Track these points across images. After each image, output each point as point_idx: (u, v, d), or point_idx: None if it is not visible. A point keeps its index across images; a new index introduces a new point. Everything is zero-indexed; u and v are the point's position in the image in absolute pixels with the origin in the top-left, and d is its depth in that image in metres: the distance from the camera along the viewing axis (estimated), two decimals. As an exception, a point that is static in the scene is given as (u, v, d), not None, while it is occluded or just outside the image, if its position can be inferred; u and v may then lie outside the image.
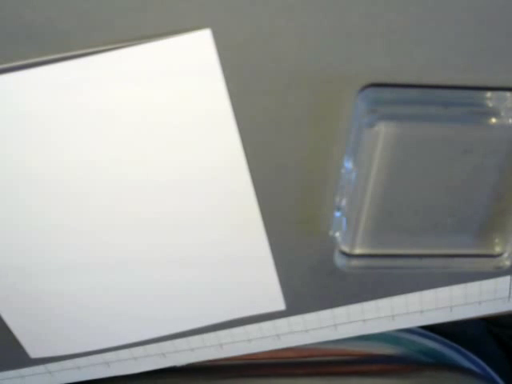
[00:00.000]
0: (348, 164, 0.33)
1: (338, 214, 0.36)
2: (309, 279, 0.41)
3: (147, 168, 0.34)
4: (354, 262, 0.38)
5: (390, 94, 0.31)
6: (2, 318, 0.42)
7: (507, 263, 0.38)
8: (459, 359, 0.50)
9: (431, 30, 0.29)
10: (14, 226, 0.36)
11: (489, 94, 0.31)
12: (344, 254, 0.38)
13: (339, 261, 0.38)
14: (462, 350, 0.50)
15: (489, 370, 0.50)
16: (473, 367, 0.50)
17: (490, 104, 0.31)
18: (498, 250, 0.37)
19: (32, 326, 0.43)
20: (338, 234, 0.37)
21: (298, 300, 0.43)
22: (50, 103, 0.31)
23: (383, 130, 0.31)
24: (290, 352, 0.49)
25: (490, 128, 0.32)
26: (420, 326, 0.49)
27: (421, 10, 0.29)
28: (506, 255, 0.38)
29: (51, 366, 0.47)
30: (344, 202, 0.35)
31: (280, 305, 0.43)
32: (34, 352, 0.45)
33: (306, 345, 0.46)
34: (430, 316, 0.44)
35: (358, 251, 0.37)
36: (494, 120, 0.31)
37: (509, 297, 0.43)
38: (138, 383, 0.51)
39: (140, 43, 0.29)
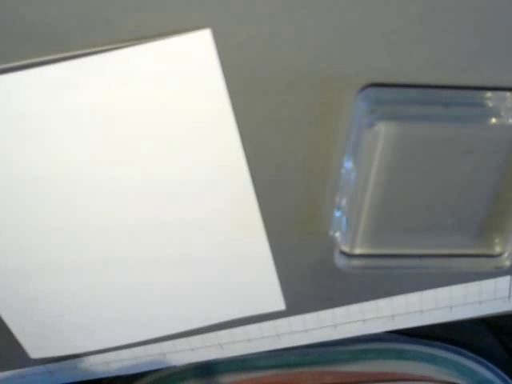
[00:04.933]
0: (348, 164, 0.33)
1: (337, 213, 0.36)
2: (309, 279, 0.41)
3: (147, 168, 0.34)
4: (354, 262, 0.38)
5: (390, 93, 0.31)
6: (2, 318, 0.42)
7: (507, 263, 0.38)
8: (493, 379, 0.50)
9: (431, 30, 0.29)
10: (13, 226, 0.36)
11: (489, 93, 0.31)
12: (344, 253, 0.38)
13: (339, 261, 0.38)
14: (491, 366, 0.50)
15: None
16: None
17: (490, 104, 0.31)
18: (498, 249, 0.37)
19: (32, 327, 0.43)
20: (337, 234, 0.37)
21: (298, 300, 0.43)
22: (49, 103, 0.31)
23: (383, 130, 0.31)
24: (328, 376, 0.49)
25: (490, 128, 0.32)
26: (453, 343, 0.49)
27: (421, 10, 0.29)
28: (506, 255, 0.38)
29: (51, 366, 0.47)
30: (344, 202, 0.35)
31: (280, 305, 0.43)
32: (34, 352, 0.45)
33: (341, 366, 0.47)
34: (430, 316, 0.44)
35: (358, 251, 0.37)
36: (494, 120, 0.31)
37: (509, 297, 0.43)
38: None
39: (140, 43, 0.29)
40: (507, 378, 0.50)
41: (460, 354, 0.49)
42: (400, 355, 0.48)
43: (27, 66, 0.29)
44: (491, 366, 0.50)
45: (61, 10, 0.28)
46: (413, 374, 0.48)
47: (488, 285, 0.42)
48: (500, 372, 0.50)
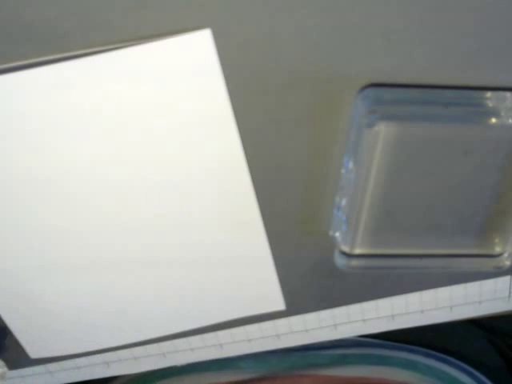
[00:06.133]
0: (348, 164, 0.33)
1: (337, 213, 0.36)
2: (309, 279, 0.41)
3: (147, 168, 0.34)
4: (354, 262, 0.38)
5: (390, 94, 0.31)
6: (2, 318, 0.42)
7: (507, 263, 0.38)
8: None
9: (431, 30, 0.29)
10: (13, 226, 0.36)
11: (489, 93, 0.31)
12: (344, 253, 0.38)
13: (339, 261, 0.38)
14: (477, 374, 0.50)
15: None
16: None
17: (490, 104, 0.31)
18: (498, 249, 0.37)
19: (32, 327, 0.43)
20: (337, 234, 0.37)
21: (298, 300, 0.43)
22: (49, 103, 0.31)
23: (383, 130, 0.31)
24: (306, 379, 0.49)
25: (490, 128, 0.32)
26: (433, 349, 0.49)
27: (421, 10, 0.29)
28: (506, 255, 0.38)
29: (51, 366, 0.47)
30: (344, 202, 0.35)
31: (280, 305, 0.43)
32: (34, 352, 0.45)
33: (320, 370, 0.46)
34: (429, 316, 0.44)
35: (357, 251, 0.37)
36: (494, 120, 0.31)
37: (509, 297, 0.43)
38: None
39: (140, 43, 0.29)
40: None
41: (444, 361, 0.49)
42: (380, 361, 0.48)
43: (27, 66, 0.29)
44: (476, 373, 0.49)
45: (61, 10, 0.28)
46: (392, 380, 0.48)
47: (488, 285, 0.42)
48: (486, 380, 0.49)
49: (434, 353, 0.49)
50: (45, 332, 0.44)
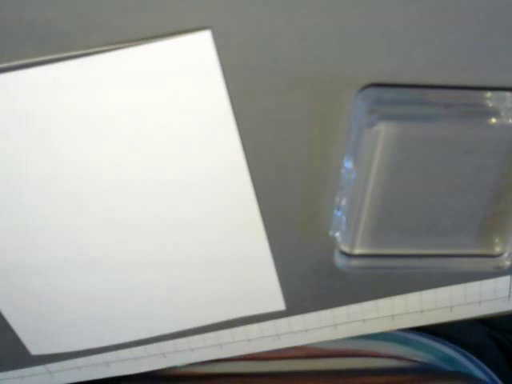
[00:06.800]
0: (348, 164, 0.33)
1: (338, 213, 0.36)
2: (309, 279, 0.41)
3: (147, 168, 0.34)
4: (354, 262, 0.38)
5: (390, 94, 0.31)
6: (3, 315, 0.42)
7: (507, 263, 0.38)
8: (466, 363, 0.50)
9: (431, 30, 0.29)
10: (14, 224, 0.36)
11: (489, 94, 0.31)
12: (344, 253, 0.38)
13: (339, 261, 0.38)
14: (468, 354, 0.50)
15: (493, 375, 0.50)
16: (479, 373, 0.50)
17: (490, 104, 0.31)
18: (498, 249, 0.37)
19: (33, 323, 0.43)
20: (337, 234, 0.37)
21: (298, 300, 0.43)
22: (49, 103, 0.31)
23: (383, 130, 0.31)
24: (297, 351, 0.49)
25: (490, 128, 0.32)
26: (426, 331, 0.50)
27: (421, 10, 0.29)
28: (505, 255, 0.38)
29: (51, 367, 0.47)
30: (344, 202, 0.35)
31: (280, 305, 0.43)
32: (34, 349, 0.45)
33: (312, 344, 0.47)
34: (429, 316, 0.44)
35: (358, 251, 0.37)
36: (494, 120, 0.31)
37: (509, 297, 0.43)
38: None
39: (140, 44, 0.29)
40: (479, 362, 0.50)
41: (438, 340, 0.49)
42: (373, 335, 0.48)
43: (27, 66, 0.29)
44: (469, 355, 0.50)
45: (61, 10, 0.28)
46: (384, 353, 0.48)
47: (488, 285, 0.42)
48: (480, 363, 0.50)
49: (428, 335, 0.50)
50: (45, 328, 0.44)
